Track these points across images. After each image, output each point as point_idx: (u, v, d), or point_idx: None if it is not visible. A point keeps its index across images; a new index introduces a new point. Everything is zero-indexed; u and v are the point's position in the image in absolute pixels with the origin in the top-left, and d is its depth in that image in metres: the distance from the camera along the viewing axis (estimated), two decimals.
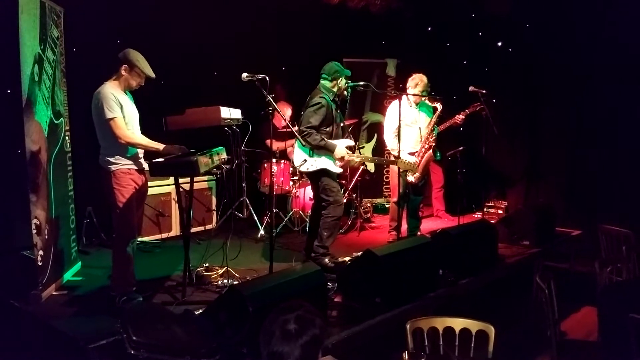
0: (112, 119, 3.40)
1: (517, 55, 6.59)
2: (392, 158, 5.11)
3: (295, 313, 1.66)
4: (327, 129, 4.34)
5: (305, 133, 4.22)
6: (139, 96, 3.77)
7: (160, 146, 3.61)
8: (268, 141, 5.42)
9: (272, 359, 1.63)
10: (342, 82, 4.42)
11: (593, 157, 6.05)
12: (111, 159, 3.50)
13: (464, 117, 5.46)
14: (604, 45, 5.73)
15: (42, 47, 3.84)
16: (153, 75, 3.59)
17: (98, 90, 3.45)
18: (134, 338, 2.46)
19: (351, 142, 4.44)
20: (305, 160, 4.30)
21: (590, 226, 5.02)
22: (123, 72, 3.52)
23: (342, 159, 4.31)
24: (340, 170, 4.39)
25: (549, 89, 6.40)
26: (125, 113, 3.50)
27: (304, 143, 4.26)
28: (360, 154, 5.11)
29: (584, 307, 4.44)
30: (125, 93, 3.60)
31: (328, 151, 4.28)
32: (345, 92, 4.49)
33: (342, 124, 4.53)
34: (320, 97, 4.32)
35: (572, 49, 5.99)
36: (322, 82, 4.44)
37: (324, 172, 4.34)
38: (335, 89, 4.42)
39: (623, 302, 2.80)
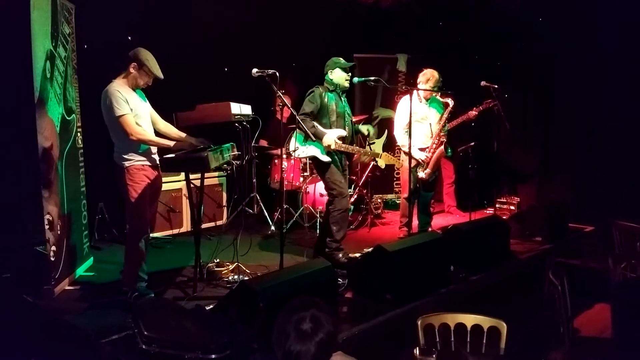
0: (121, 116, 3.41)
1: (529, 50, 6.50)
2: (402, 153, 5.10)
3: (310, 311, 1.65)
4: (324, 120, 4.35)
5: (301, 119, 4.23)
6: (149, 93, 3.77)
7: (170, 143, 3.63)
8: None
9: (287, 358, 1.63)
10: (335, 72, 4.41)
11: (606, 152, 5.97)
12: (125, 156, 3.52)
13: (477, 113, 5.40)
14: (617, 39, 5.65)
15: (53, 44, 3.86)
16: (161, 75, 3.58)
17: (105, 89, 3.45)
18: (145, 333, 2.47)
19: (343, 132, 4.38)
20: (298, 147, 4.43)
21: (603, 222, 4.95)
22: (132, 70, 3.51)
23: (329, 147, 4.29)
24: (327, 159, 4.35)
25: (560, 84, 6.32)
26: (133, 110, 3.50)
27: (299, 131, 4.32)
28: (370, 149, 5.08)
29: (597, 303, 4.39)
30: (135, 91, 3.60)
31: (317, 139, 4.30)
32: (346, 84, 4.46)
33: (346, 116, 4.49)
34: (316, 86, 4.40)
35: (584, 44, 5.91)
36: (325, 76, 4.49)
37: (324, 165, 4.36)
38: (332, 80, 4.43)
39: (638, 298, 2.76)
